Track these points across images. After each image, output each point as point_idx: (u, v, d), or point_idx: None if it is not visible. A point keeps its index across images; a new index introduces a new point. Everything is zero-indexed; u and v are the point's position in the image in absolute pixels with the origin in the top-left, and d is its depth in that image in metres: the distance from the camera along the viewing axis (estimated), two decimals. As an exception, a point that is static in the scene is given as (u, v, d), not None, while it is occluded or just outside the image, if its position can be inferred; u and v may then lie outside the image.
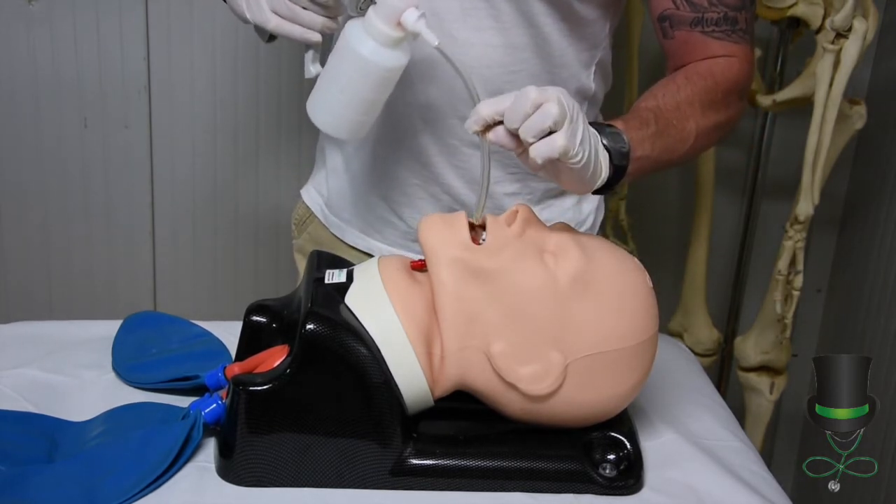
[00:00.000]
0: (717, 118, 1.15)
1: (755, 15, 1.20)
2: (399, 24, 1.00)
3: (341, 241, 1.37)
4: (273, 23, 1.07)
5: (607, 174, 1.00)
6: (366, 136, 1.21)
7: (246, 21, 1.12)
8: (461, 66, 0.99)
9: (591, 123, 1.01)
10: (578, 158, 0.93)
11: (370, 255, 1.35)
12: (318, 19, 1.07)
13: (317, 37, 1.08)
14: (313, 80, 1.10)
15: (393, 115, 1.23)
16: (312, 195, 1.42)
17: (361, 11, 1.03)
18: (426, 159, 1.25)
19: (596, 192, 1.03)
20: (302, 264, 1.45)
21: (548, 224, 1.02)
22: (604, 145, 1.00)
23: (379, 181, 1.30)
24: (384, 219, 1.31)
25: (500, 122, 0.94)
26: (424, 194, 1.27)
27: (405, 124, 1.24)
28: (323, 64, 1.09)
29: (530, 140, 0.91)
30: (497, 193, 1.27)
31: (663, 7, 1.17)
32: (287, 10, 1.06)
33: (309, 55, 1.10)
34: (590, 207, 1.36)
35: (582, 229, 1.35)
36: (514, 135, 0.93)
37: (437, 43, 0.99)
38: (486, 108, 0.94)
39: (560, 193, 1.32)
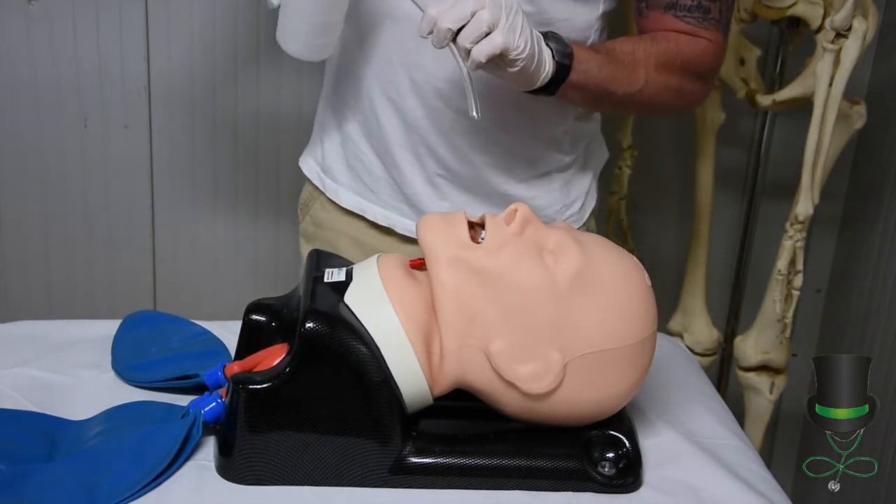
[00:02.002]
0: (669, 81, 1.22)
1: (731, 8, 1.26)
2: None
3: (337, 205, 1.38)
4: None
5: (551, 69, 1.11)
6: (361, 96, 1.28)
7: None
8: None
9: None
10: (521, 50, 1.05)
11: (366, 220, 1.36)
12: None
13: None
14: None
15: (384, 73, 1.26)
16: (309, 163, 1.44)
17: None
18: (412, 122, 1.27)
19: (541, 92, 1.13)
20: (305, 248, 1.46)
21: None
22: (546, 45, 1.11)
23: (374, 141, 1.31)
24: (379, 177, 1.33)
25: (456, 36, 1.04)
26: (411, 156, 1.30)
27: (395, 83, 1.26)
28: None
29: (468, 46, 1.03)
30: (478, 164, 1.28)
31: None
32: None
33: None
34: (578, 191, 1.37)
35: (569, 212, 1.36)
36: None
37: None
38: (433, 9, 1.04)
39: (546, 174, 1.32)
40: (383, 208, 1.35)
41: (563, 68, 1.12)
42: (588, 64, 1.15)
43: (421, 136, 1.28)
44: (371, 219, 1.36)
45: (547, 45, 1.11)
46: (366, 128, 1.32)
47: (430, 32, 1.05)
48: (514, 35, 1.04)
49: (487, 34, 1.03)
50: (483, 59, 1.03)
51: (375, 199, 1.35)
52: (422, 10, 1.06)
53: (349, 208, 1.38)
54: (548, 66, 1.11)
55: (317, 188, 1.42)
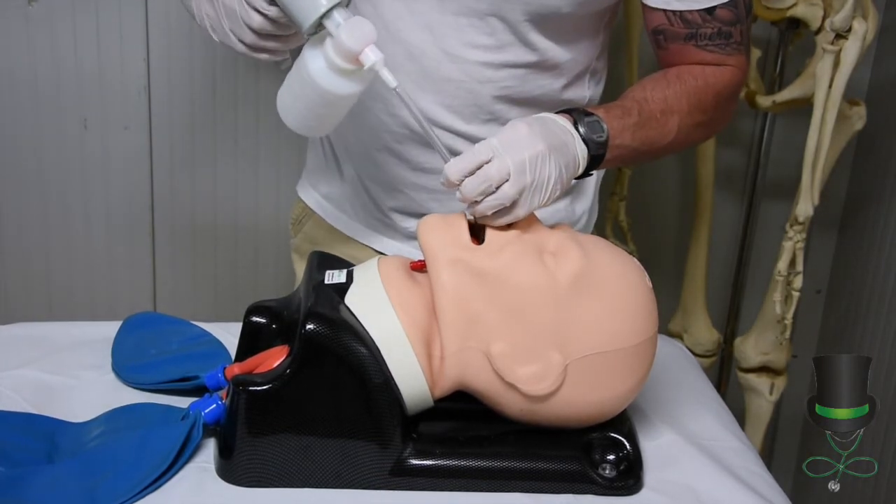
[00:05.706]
0: (702, 118, 1.18)
1: (751, 22, 1.21)
2: (357, 60, 0.98)
3: (343, 233, 1.37)
4: (241, 49, 1.07)
5: (584, 165, 1.05)
6: (362, 146, 1.24)
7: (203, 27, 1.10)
8: (419, 112, 0.98)
9: (570, 111, 1.06)
10: (547, 200, 0.98)
11: (370, 248, 1.35)
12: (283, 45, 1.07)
13: (285, 55, 1.08)
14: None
15: (387, 123, 1.23)
16: (310, 193, 1.42)
17: (317, 35, 1.01)
18: (418, 165, 1.25)
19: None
20: (298, 264, 1.45)
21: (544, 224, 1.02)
22: (581, 135, 1.04)
23: (374, 183, 1.30)
24: (385, 212, 1.31)
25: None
26: (415, 194, 1.27)
27: (396, 133, 1.24)
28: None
29: (489, 214, 0.96)
30: None
31: (657, 22, 1.19)
32: (253, 41, 1.05)
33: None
34: (582, 208, 1.36)
35: (576, 228, 1.35)
36: None
37: (395, 86, 0.97)
38: (455, 174, 0.96)
39: None
40: (393, 240, 1.33)
41: (597, 157, 1.07)
42: (622, 137, 1.09)
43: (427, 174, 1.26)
44: (380, 249, 1.34)
45: (580, 134, 1.04)
46: (366, 171, 1.30)
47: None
48: (539, 195, 0.97)
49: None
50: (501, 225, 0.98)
51: (384, 228, 1.33)
52: (444, 158, 0.98)
53: (362, 242, 1.35)
54: (581, 167, 1.05)
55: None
